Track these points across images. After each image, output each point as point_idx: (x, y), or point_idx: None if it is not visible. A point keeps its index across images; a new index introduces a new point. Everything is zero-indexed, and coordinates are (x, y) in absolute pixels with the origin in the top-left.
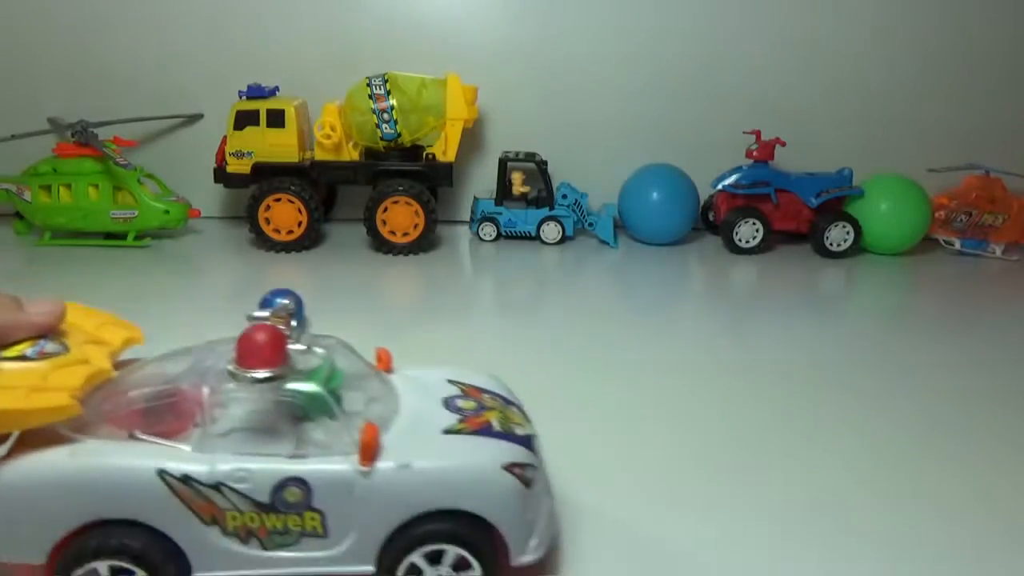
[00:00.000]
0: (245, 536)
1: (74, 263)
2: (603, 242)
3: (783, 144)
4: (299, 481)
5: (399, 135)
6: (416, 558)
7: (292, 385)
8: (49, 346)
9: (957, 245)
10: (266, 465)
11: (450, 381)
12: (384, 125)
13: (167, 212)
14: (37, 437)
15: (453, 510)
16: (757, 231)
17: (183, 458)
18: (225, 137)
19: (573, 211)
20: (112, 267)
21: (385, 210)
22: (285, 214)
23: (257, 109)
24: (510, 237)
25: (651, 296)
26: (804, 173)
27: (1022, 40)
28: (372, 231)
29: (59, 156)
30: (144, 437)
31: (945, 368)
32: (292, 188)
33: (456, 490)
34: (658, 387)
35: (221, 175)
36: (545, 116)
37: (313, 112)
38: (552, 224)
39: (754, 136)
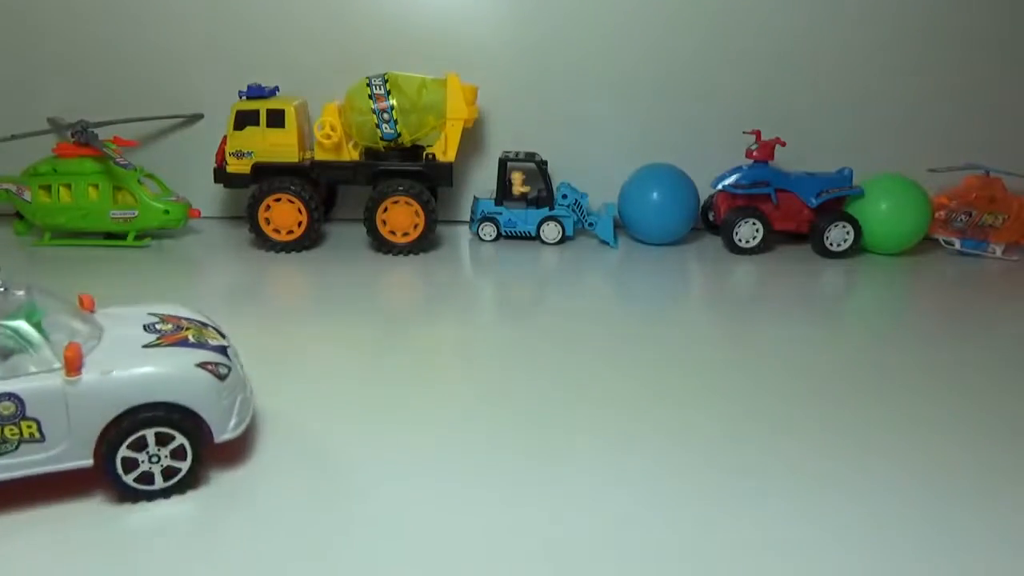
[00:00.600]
0: None
1: (74, 263)
2: (603, 242)
3: (783, 144)
4: (11, 396)
5: (399, 135)
6: (127, 449)
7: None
8: None
9: (957, 245)
10: None
11: (151, 314)
12: (384, 125)
13: (167, 212)
14: None
15: (159, 403)
16: (757, 231)
17: None
18: (225, 137)
19: (573, 211)
20: (112, 267)
21: (385, 210)
22: (285, 214)
23: (257, 109)
24: (510, 237)
25: (651, 296)
26: (804, 173)
27: (1022, 39)
28: (372, 231)
29: (59, 156)
30: None
31: (945, 368)
32: (292, 188)
33: (157, 387)
34: (658, 387)
35: (221, 175)
36: (545, 116)
37: (313, 112)
38: (552, 224)
39: (754, 136)
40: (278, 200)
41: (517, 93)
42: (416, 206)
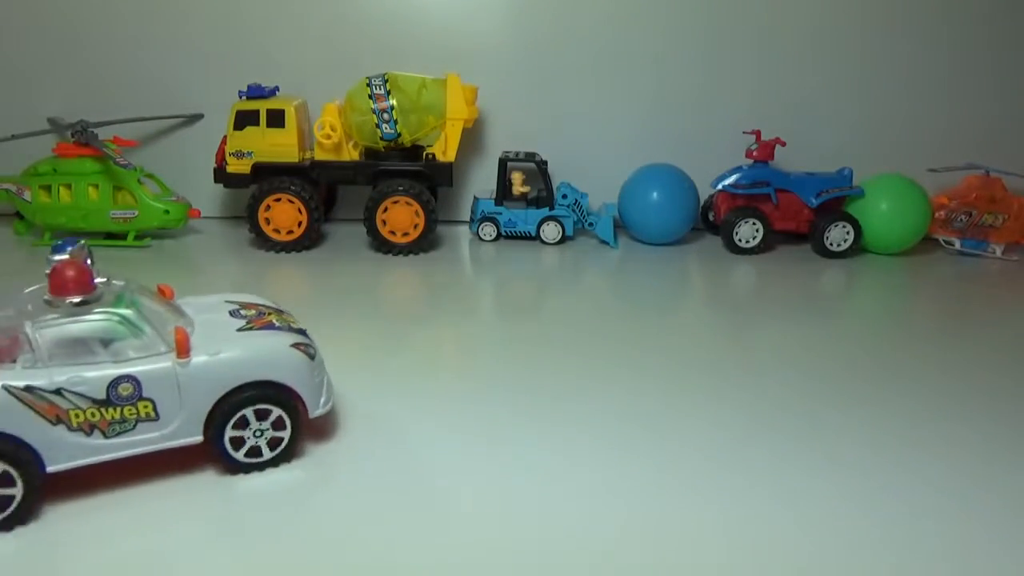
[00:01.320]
0: (89, 429)
1: None
2: (603, 242)
3: (783, 144)
4: (129, 378)
5: (399, 135)
6: (234, 425)
7: (102, 307)
8: None
9: (957, 245)
10: (99, 371)
11: (228, 301)
12: (384, 125)
13: (167, 212)
14: None
15: (260, 382)
16: (757, 231)
17: (20, 375)
18: (225, 137)
19: (573, 211)
20: (112, 267)
21: (385, 210)
22: (285, 214)
23: (257, 109)
24: (510, 237)
25: (651, 296)
26: (804, 173)
27: (1022, 40)
28: (372, 231)
29: (59, 156)
30: None
31: (945, 368)
32: (292, 188)
33: (260, 367)
34: (657, 386)
35: (221, 175)
36: (545, 116)
37: (313, 112)
38: (552, 224)
39: (754, 136)
40: (278, 200)
41: (517, 93)
42: (416, 206)
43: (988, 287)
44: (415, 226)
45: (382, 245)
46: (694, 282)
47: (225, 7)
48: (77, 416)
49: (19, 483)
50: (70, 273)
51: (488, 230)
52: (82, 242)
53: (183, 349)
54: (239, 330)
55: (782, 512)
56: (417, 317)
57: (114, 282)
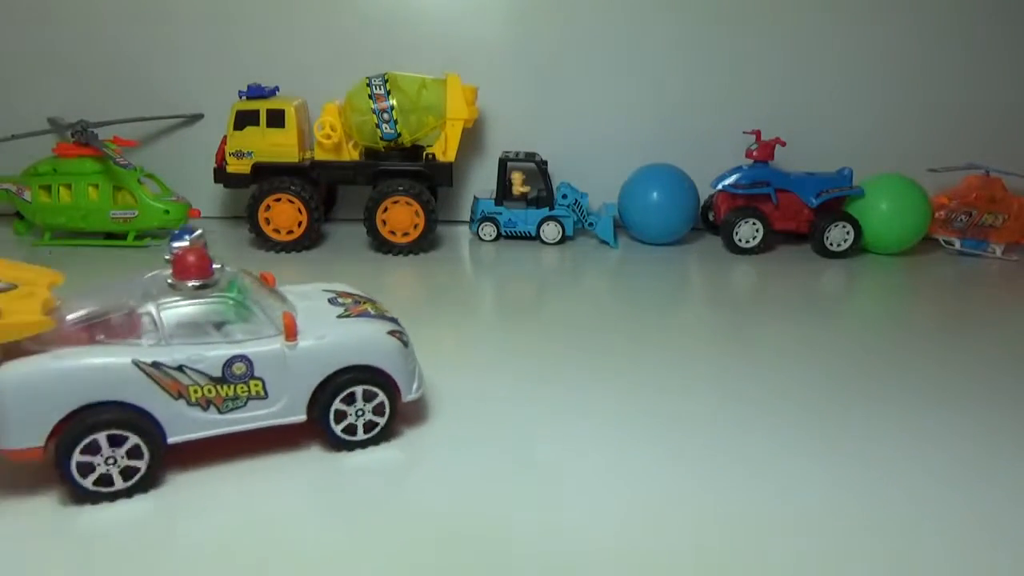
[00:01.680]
0: (205, 405)
1: (74, 263)
2: (603, 242)
3: (783, 144)
4: (243, 358)
5: (399, 135)
6: (339, 403)
7: (217, 292)
8: (1, 284)
9: (957, 245)
10: (217, 350)
11: (325, 290)
12: (384, 125)
13: (167, 212)
14: (11, 351)
15: (359, 367)
16: (757, 231)
17: (149, 351)
18: (225, 137)
19: (573, 211)
20: (112, 267)
21: (385, 210)
22: (285, 214)
23: (257, 109)
24: (510, 237)
25: (651, 296)
26: (804, 173)
27: (1022, 40)
28: (372, 231)
29: (59, 156)
30: (113, 341)
31: (945, 368)
32: (292, 188)
33: (360, 352)
34: (657, 387)
35: (221, 175)
36: (545, 116)
37: (313, 112)
38: (552, 224)
39: (754, 136)
40: (278, 200)
41: (517, 93)
42: (416, 206)
43: (988, 287)
44: (415, 226)
45: (382, 245)
46: (694, 282)
47: (225, 7)
48: (195, 392)
49: (146, 453)
50: (191, 259)
51: (488, 230)
52: (199, 231)
53: (291, 332)
54: (339, 317)
55: (780, 508)
56: (417, 317)
57: (225, 268)
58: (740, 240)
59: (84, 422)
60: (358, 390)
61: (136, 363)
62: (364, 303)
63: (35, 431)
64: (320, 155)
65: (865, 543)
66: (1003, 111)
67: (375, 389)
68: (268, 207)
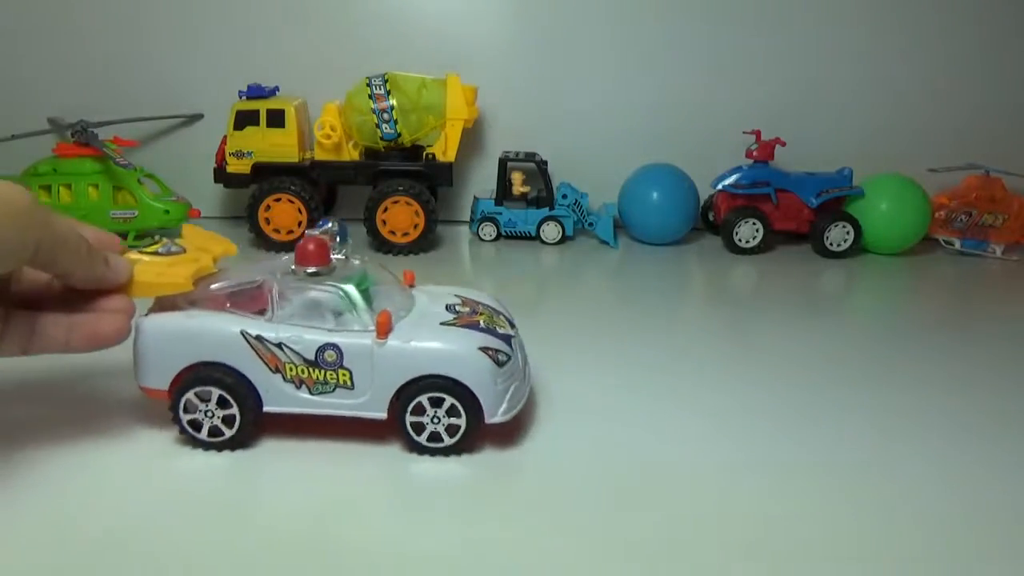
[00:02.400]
0: (298, 383)
1: None
2: (603, 242)
3: (783, 144)
4: (334, 346)
5: (399, 135)
6: (423, 398)
7: (332, 281)
8: (174, 248)
9: (957, 245)
10: (312, 335)
11: (456, 295)
12: (384, 125)
13: (167, 212)
14: (165, 305)
15: (440, 376)
16: (757, 231)
17: (257, 325)
18: (225, 137)
19: (573, 211)
20: None
21: (385, 210)
22: (285, 214)
23: (257, 109)
24: (510, 237)
25: (651, 296)
26: (804, 173)
27: (1022, 40)
28: (372, 231)
29: (59, 156)
30: (234, 311)
31: (945, 368)
32: (292, 188)
33: (442, 362)
34: (657, 387)
35: (221, 175)
36: (545, 116)
37: (313, 112)
38: (552, 224)
39: (754, 136)
40: (278, 200)
41: (517, 93)
42: (416, 206)
43: (988, 287)
44: (415, 226)
45: (382, 245)
46: (694, 282)
47: (225, 7)
48: (291, 369)
49: (239, 413)
50: (311, 247)
51: (488, 230)
52: (331, 224)
53: (382, 330)
54: (442, 323)
55: (788, 511)
56: None
57: (354, 261)
58: (740, 240)
59: (197, 376)
60: (435, 398)
61: (243, 333)
62: (481, 315)
63: (163, 375)
64: (320, 155)
65: (868, 545)
66: (1003, 111)
67: (453, 401)
68: (268, 207)
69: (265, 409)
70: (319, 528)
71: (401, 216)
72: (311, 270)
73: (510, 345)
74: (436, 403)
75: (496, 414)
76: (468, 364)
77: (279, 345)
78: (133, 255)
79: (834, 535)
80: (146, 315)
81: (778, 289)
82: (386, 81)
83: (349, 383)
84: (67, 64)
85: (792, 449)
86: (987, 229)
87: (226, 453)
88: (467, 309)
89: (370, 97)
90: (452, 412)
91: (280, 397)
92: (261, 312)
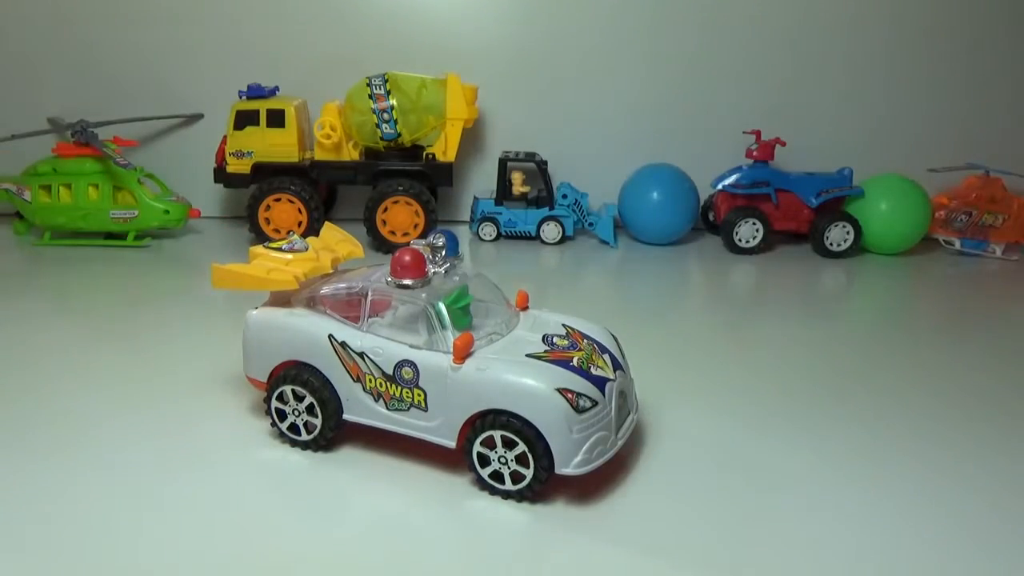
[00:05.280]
0: (376, 396)
1: (74, 263)
2: (603, 242)
3: (783, 144)
4: (411, 364)
5: (399, 135)
6: (496, 433)
7: (422, 294)
8: (298, 245)
9: (957, 245)
10: (394, 348)
11: (564, 325)
12: (384, 125)
13: (167, 212)
14: (279, 300)
15: (511, 414)
16: (757, 231)
17: (347, 331)
18: (225, 137)
19: (573, 211)
20: (112, 267)
21: (385, 210)
22: (285, 214)
23: (257, 109)
24: (510, 237)
25: (651, 296)
26: (804, 173)
27: (1022, 40)
28: (372, 231)
29: (59, 156)
30: (332, 314)
31: (945, 368)
32: (292, 188)
33: (512, 397)
34: (656, 387)
35: (221, 175)
36: (545, 116)
37: (313, 112)
38: (552, 224)
39: (754, 136)
40: (278, 200)
41: (517, 93)
42: (416, 206)
43: (988, 287)
44: (415, 226)
45: (382, 245)
46: (694, 282)
47: (225, 7)
48: (370, 380)
49: (319, 416)
50: (406, 259)
51: (488, 230)
52: (437, 237)
53: (458, 354)
54: (528, 355)
55: (791, 509)
56: None
57: (457, 276)
58: (740, 240)
59: (288, 374)
60: (509, 439)
61: (330, 337)
62: (579, 351)
63: (263, 367)
64: (320, 155)
65: (859, 542)
66: (1003, 111)
67: (518, 441)
68: (268, 207)
69: (345, 416)
70: (354, 543)
71: (401, 216)
72: (404, 282)
73: (603, 391)
74: (509, 444)
75: (569, 465)
76: (539, 404)
77: (361, 354)
78: (258, 249)
79: (820, 536)
80: (256, 309)
81: (778, 289)
82: (386, 81)
83: (423, 404)
84: (67, 64)
85: (791, 449)
86: (987, 229)
87: (305, 453)
88: (566, 343)
89: (370, 97)
90: (521, 461)
91: (359, 407)
92: (356, 319)
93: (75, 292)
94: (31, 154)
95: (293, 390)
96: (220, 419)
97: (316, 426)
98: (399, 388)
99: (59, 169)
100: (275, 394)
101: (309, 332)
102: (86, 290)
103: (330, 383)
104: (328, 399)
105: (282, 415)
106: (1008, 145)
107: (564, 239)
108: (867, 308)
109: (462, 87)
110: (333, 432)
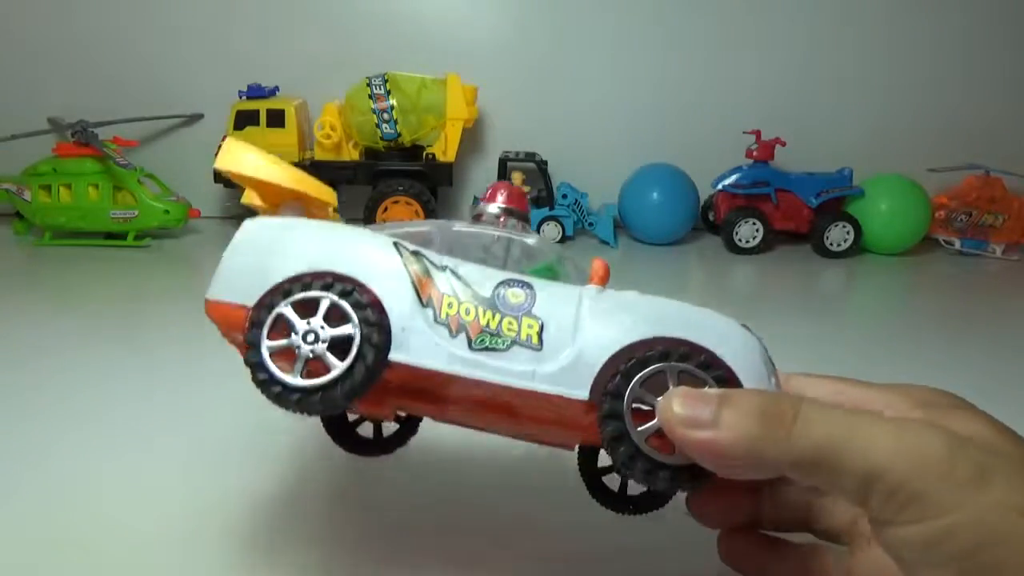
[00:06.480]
0: (455, 328)
1: (74, 263)
2: (603, 242)
3: (783, 144)
4: (525, 284)
5: (399, 135)
6: (667, 366)
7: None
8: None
9: (957, 245)
10: (495, 268)
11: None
12: (384, 125)
13: (167, 212)
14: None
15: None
16: (757, 231)
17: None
18: (225, 137)
19: (573, 211)
20: (112, 267)
21: (385, 210)
22: None
23: (257, 109)
24: None
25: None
26: (804, 173)
27: (1022, 40)
28: None
29: (59, 156)
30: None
31: (945, 368)
32: None
33: (700, 329)
34: None
35: (221, 175)
36: (545, 116)
37: (313, 112)
38: (552, 224)
39: (754, 136)
40: None
41: (517, 93)
42: (416, 206)
43: (988, 287)
44: None
45: None
46: (694, 282)
47: (225, 7)
48: (450, 306)
49: (355, 350)
50: (513, 190)
51: None
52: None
53: (600, 276)
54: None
55: None
56: None
57: (546, 246)
58: (740, 240)
59: (302, 282)
60: (673, 374)
61: (396, 243)
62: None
63: (252, 284)
64: (320, 155)
65: None
66: (1003, 111)
67: (706, 378)
68: None
69: (392, 356)
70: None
71: (401, 216)
72: (508, 208)
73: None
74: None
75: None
76: (731, 339)
77: (443, 268)
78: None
79: None
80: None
81: (778, 289)
82: (386, 81)
83: (535, 339)
84: (67, 64)
85: None
86: (987, 229)
87: (317, 424)
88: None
89: (370, 97)
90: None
91: (420, 343)
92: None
93: (75, 292)
94: (31, 154)
95: (302, 308)
96: (220, 419)
97: (336, 370)
98: (498, 316)
99: (59, 169)
100: (270, 320)
101: (356, 235)
102: (86, 290)
103: (379, 303)
104: (375, 323)
105: (286, 351)
106: (1008, 145)
107: (564, 239)
108: (867, 308)
109: (462, 87)
110: (368, 383)
